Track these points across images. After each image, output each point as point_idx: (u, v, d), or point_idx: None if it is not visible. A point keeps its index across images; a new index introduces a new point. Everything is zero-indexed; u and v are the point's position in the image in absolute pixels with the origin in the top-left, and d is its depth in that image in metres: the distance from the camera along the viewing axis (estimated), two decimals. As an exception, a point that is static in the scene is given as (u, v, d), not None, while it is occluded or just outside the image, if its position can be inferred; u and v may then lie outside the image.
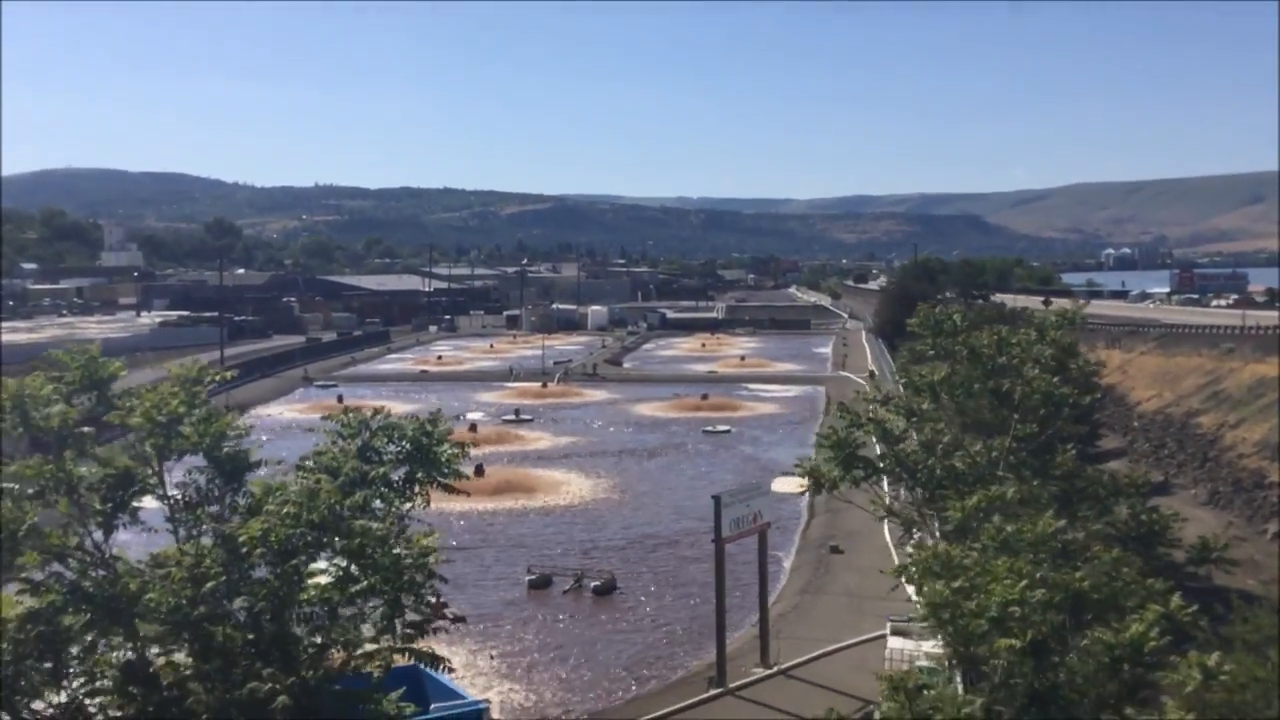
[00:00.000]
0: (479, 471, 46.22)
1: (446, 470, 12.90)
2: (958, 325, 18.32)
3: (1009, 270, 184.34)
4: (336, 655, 11.61)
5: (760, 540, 24.40)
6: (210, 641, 10.94)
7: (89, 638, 11.26)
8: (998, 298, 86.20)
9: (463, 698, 16.62)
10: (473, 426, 59.04)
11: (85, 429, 12.74)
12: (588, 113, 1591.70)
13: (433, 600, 11.96)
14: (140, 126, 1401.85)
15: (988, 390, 17.38)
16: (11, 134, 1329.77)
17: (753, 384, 80.00)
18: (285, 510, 11.48)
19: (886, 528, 36.58)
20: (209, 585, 11.04)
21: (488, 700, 17.56)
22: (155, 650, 11.70)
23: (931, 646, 19.96)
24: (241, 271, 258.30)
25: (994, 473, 15.73)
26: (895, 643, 20.92)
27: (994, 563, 11.45)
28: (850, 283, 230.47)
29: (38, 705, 11.34)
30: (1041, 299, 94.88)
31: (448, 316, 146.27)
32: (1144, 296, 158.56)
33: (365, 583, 11.39)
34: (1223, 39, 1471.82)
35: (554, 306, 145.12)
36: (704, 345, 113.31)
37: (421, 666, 13.52)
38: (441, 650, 13.19)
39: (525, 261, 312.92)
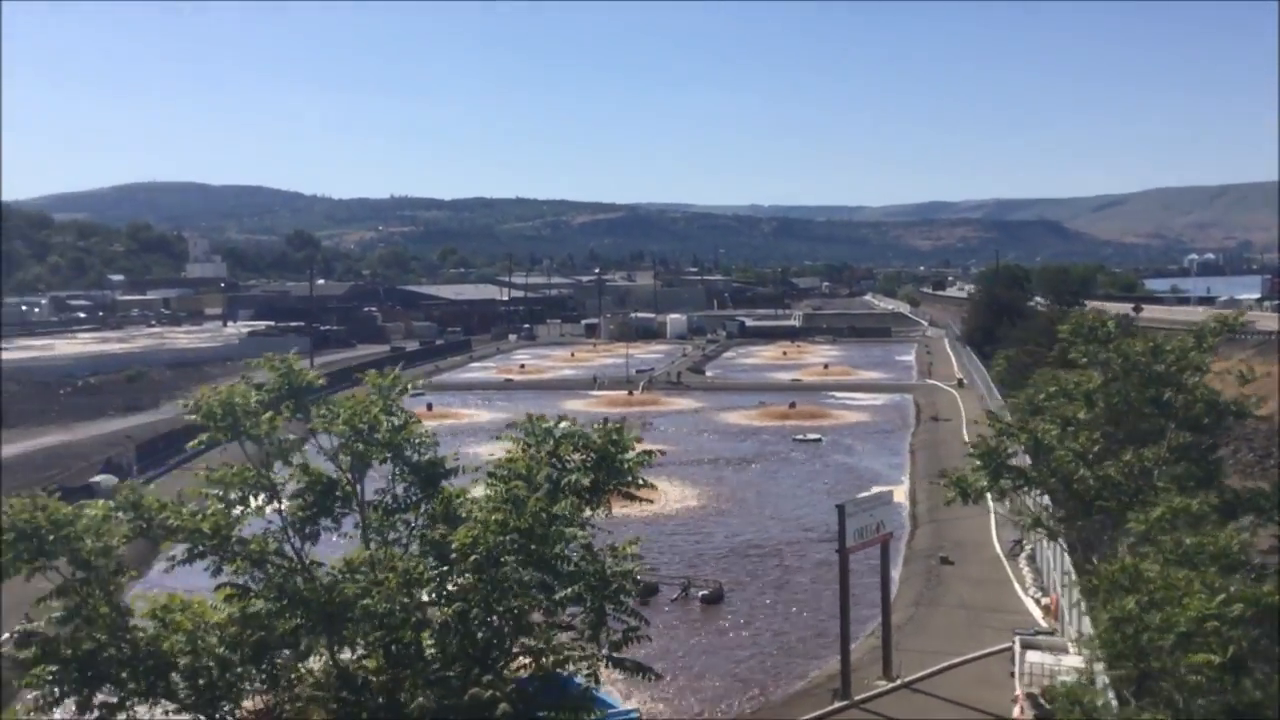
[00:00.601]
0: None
1: (630, 478, 12.85)
2: (1111, 332, 17.92)
3: (1091, 277, 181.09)
4: (528, 663, 11.60)
5: (882, 551, 24.04)
6: (420, 647, 10.98)
7: (302, 642, 11.35)
8: (1089, 305, 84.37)
9: (614, 706, 16.56)
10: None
11: (291, 436, 12.90)
12: (659, 121, 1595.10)
13: (635, 609, 11.87)
14: (222, 141, 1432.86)
15: (1146, 398, 16.95)
16: (97, 148, 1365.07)
17: (838, 392, 79.25)
18: (494, 518, 11.50)
19: (996, 539, 35.99)
20: (423, 591, 11.08)
21: (638, 710, 17.46)
22: (348, 655, 11.77)
23: (1073, 661, 19.49)
24: (321, 282, 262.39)
25: (1150, 483, 15.33)
26: (1034, 656, 20.44)
27: (1176, 576, 11.10)
28: (928, 290, 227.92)
29: (230, 706, 11.48)
30: (1132, 306, 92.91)
31: (526, 325, 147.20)
32: (1232, 303, 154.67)
33: (569, 590, 11.37)
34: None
35: (633, 315, 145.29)
36: (785, 353, 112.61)
37: (568, 675, 13.45)
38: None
39: (598, 270, 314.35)
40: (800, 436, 59.35)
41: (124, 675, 11.29)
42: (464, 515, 12.26)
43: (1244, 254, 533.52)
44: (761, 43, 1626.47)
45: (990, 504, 41.18)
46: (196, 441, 13.26)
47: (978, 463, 18.70)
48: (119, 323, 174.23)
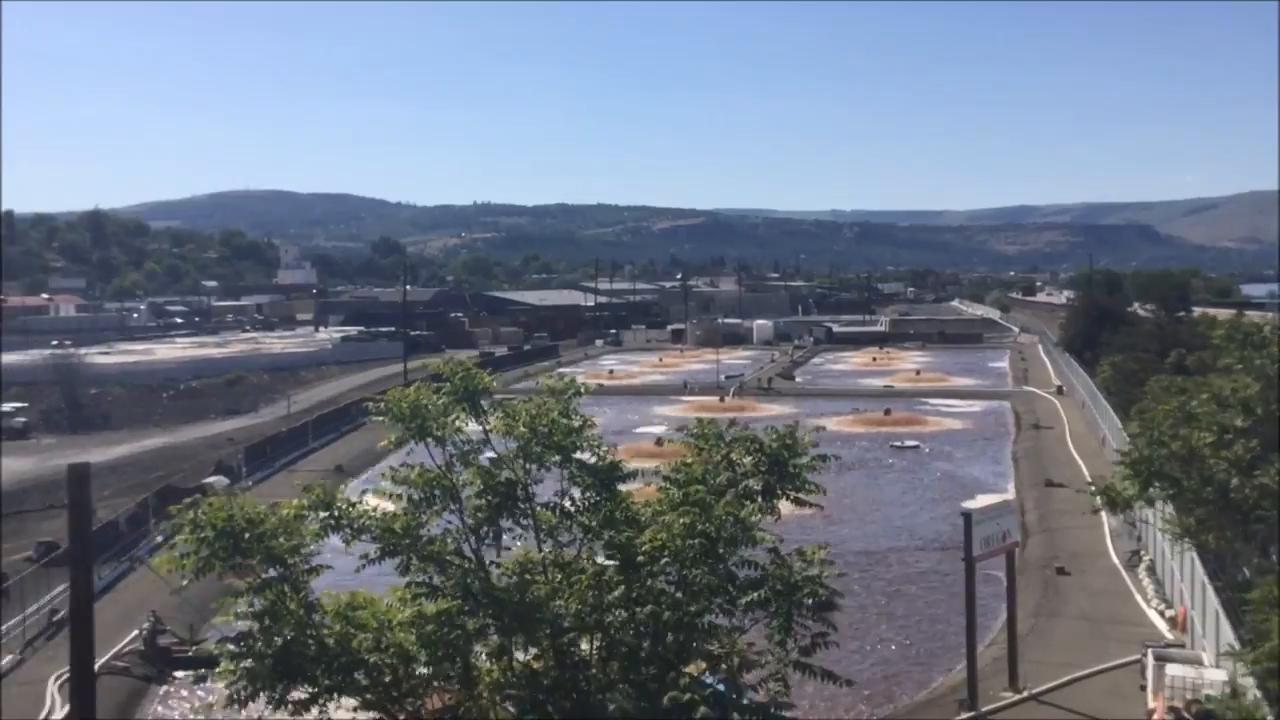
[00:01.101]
0: (675, 485, 46.31)
1: (801, 484, 12.76)
2: (1267, 338, 17.39)
3: (1187, 282, 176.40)
4: (704, 667, 11.59)
5: (1008, 560, 23.62)
6: (613, 648, 11.03)
7: (493, 641, 11.44)
8: (1196, 312, 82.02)
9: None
10: (659, 441, 59.23)
11: (473, 439, 13.04)
12: (739, 126, 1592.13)
13: (823, 615, 11.78)
14: (310, 150, 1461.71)
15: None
16: (190, 158, 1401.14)
17: (932, 399, 78.26)
18: (681, 521, 11.51)
19: (1112, 549, 35.20)
20: (615, 594, 11.11)
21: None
22: (522, 655, 11.84)
23: (1216, 675, 18.96)
24: (408, 288, 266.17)
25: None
26: (1175, 670, 19.90)
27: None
28: (1017, 295, 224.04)
29: (414, 703, 11.61)
30: (1234, 313, 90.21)
31: (612, 331, 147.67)
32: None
33: (754, 595, 11.33)
34: None
35: (719, 321, 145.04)
36: (874, 359, 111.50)
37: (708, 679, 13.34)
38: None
39: (680, 276, 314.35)
40: (898, 444, 58.68)
41: (315, 672, 11.48)
42: (642, 518, 12.26)
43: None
44: (844, 47, 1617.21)
45: (1104, 515, 40.43)
46: (387, 442, 13.53)
47: (1127, 471, 18.26)
48: (214, 328, 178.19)
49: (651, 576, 11.36)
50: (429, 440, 12.95)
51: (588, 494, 12.69)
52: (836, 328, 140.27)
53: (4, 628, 27.24)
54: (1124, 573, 32.33)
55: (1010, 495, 45.82)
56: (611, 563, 11.60)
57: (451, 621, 11.36)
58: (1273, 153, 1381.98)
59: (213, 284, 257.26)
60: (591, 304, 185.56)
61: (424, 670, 11.61)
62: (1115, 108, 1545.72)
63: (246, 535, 11.78)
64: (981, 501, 38.70)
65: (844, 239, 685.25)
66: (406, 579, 12.33)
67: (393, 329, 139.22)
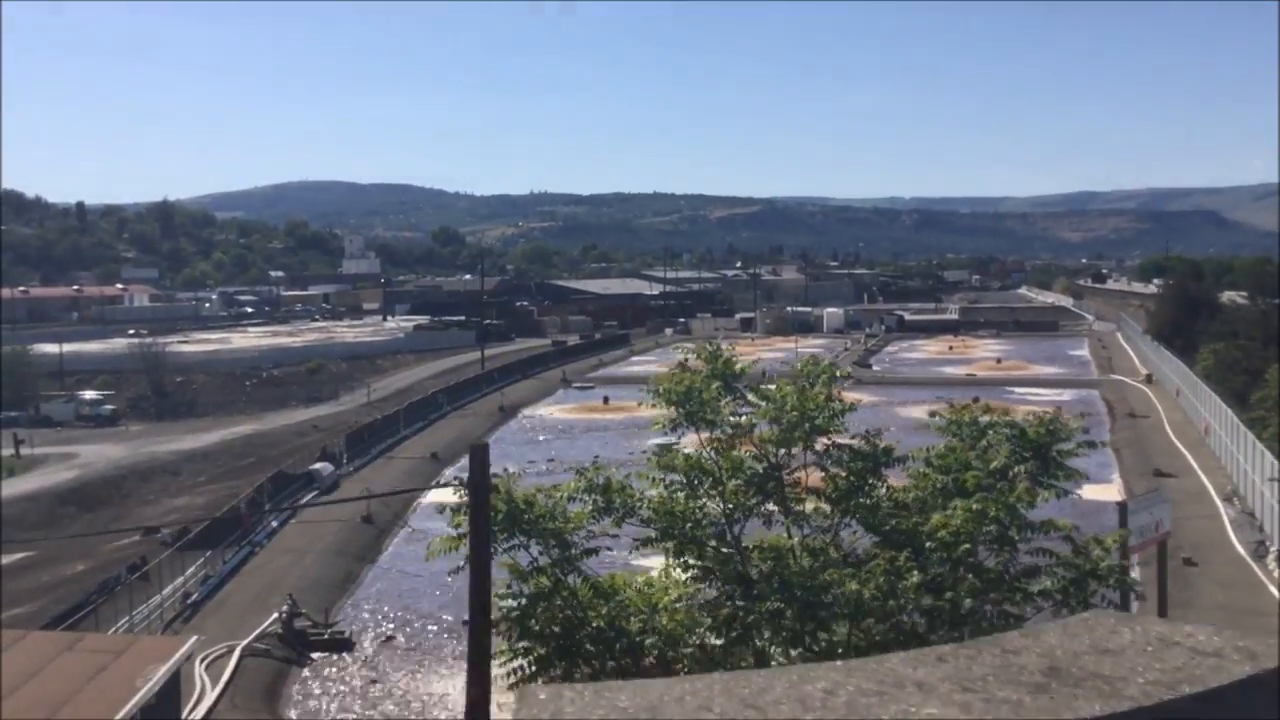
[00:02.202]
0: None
1: (1062, 473, 12.57)
2: None
3: (1260, 269, 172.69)
4: None
5: (1160, 551, 23.27)
6: (907, 636, 11.00)
7: (781, 626, 11.38)
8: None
9: None
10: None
11: (740, 421, 13.00)
12: (795, 113, 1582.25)
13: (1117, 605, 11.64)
14: (369, 141, 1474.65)
15: None
16: (253, 149, 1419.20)
17: (1017, 388, 77.34)
18: (973, 506, 11.42)
19: (1236, 540, 34.61)
20: (912, 580, 11.05)
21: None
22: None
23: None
24: (468, 277, 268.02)
25: None
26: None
27: None
28: (1087, 283, 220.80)
29: None
30: None
31: (681, 320, 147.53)
32: None
33: (1047, 584, 11.23)
34: None
35: (788, 309, 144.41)
36: (950, 348, 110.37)
37: None
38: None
39: (740, 264, 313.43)
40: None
41: (594, 652, 11.55)
42: (913, 501, 12.16)
43: None
44: (902, 34, 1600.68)
45: (1220, 505, 39.72)
46: (657, 424, 13.53)
47: None
48: (284, 317, 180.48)
49: (943, 564, 11.27)
50: (699, 424, 12.90)
51: (851, 478, 12.58)
52: (907, 316, 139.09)
53: (144, 610, 27.75)
54: (1252, 563, 31.78)
55: (1116, 484, 45.21)
56: (897, 550, 11.49)
57: (733, 606, 11.31)
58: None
59: (279, 274, 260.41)
60: (655, 293, 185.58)
61: (690, 652, 11.59)
62: (1182, 91, 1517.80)
63: (525, 516, 11.85)
64: (1089, 492, 38.18)
65: (903, 226, 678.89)
66: (670, 562, 12.30)
67: (463, 318, 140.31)
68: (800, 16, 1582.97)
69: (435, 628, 29.45)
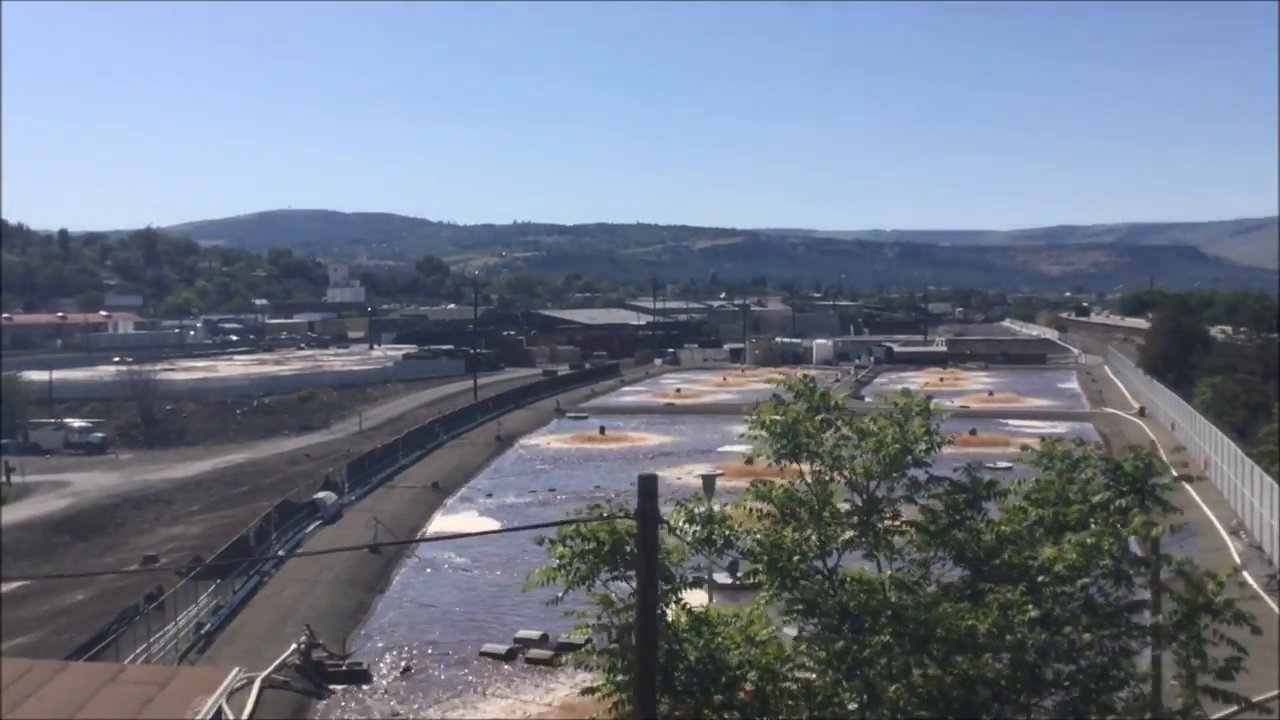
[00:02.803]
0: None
1: (1159, 507, 12.55)
2: None
3: (1240, 304, 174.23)
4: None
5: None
6: (1025, 672, 10.93)
7: (893, 660, 11.25)
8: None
9: None
10: (749, 460, 59.08)
11: (841, 455, 12.90)
12: (779, 145, 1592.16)
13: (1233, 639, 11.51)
14: (352, 169, 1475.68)
15: None
16: (236, 177, 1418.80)
17: (1011, 420, 77.63)
18: (1087, 540, 11.40)
19: (1247, 573, 34.64)
20: (1029, 614, 10.98)
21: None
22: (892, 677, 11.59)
23: None
24: (452, 306, 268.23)
25: None
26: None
27: None
28: (1070, 316, 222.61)
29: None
30: None
31: (670, 350, 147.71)
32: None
33: (1157, 617, 11.19)
34: None
35: (777, 340, 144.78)
36: (941, 380, 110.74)
37: None
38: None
39: (724, 295, 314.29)
40: (992, 464, 58.08)
41: (691, 685, 11.44)
42: (1011, 534, 12.08)
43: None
44: (883, 65, 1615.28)
45: (1226, 538, 39.86)
46: (756, 452, 13.47)
47: None
48: (270, 345, 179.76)
49: (1056, 599, 11.21)
50: (801, 456, 12.86)
51: (950, 512, 12.55)
52: (896, 348, 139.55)
53: (160, 641, 27.43)
54: (1266, 597, 31.81)
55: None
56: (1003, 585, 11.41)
57: (845, 640, 11.20)
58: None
59: (263, 302, 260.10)
60: (642, 323, 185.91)
61: (790, 686, 11.48)
62: (1160, 127, 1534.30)
63: (628, 548, 11.77)
64: (1182, 522, 38.20)
65: (885, 258, 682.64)
66: (768, 595, 12.18)
67: (451, 347, 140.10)
68: (783, 49, 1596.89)
69: (452, 658, 29.22)
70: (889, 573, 12.12)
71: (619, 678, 11.60)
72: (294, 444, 79.33)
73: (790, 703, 11.37)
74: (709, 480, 19.96)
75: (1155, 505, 12.41)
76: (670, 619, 11.98)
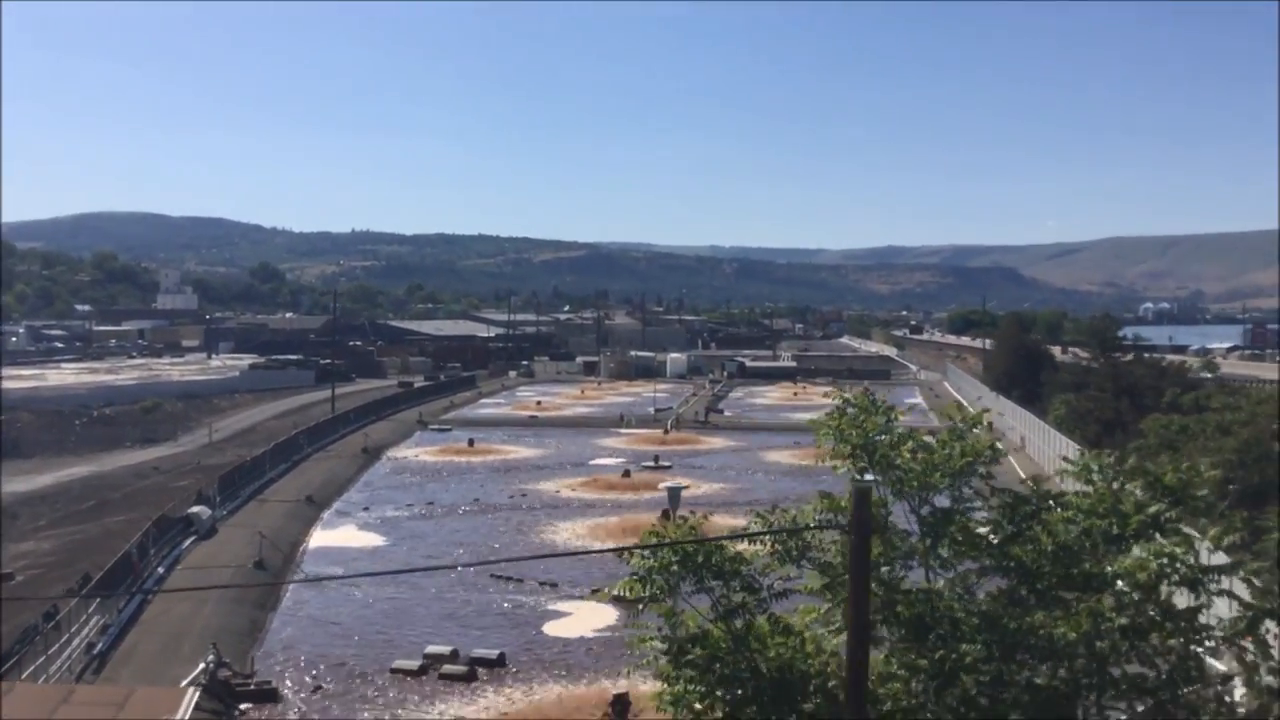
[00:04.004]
0: (666, 516, 46.59)
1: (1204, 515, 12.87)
2: None
3: (1058, 324, 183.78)
4: None
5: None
6: (1109, 679, 11.15)
7: (988, 668, 11.37)
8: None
9: None
10: (626, 473, 59.55)
11: (916, 468, 13.05)
12: (620, 161, 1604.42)
13: None
14: (180, 171, 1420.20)
15: None
16: (54, 178, 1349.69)
17: (867, 433, 79.99)
18: (1167, 549, 11.73)
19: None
20: (1120, 621, 11.29)
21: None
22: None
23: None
24: (290, 315, 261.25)
25: None
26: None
27: None
28: (904, 334, 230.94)
29: None
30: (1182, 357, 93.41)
31: (524, 362, 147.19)
32: (1205, 352, 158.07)
33: (1241, 623, 11.45)
34: (1260, 96, 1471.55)
35: (631, 354, 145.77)
36: (795, 394, 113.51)
37: None
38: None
39: (567, 308, 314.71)
40: (856, 477, 59.81)
41: (765, 696, 11.40)
42: (1074, 544, 12.26)
43: (1196, 303, 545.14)
44: (722, 86, 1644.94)
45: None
46: (838, 469, 13.47)
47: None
48: (98, 353, 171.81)
49: (1135, 606, 11.55)
50: (876, 467, 13.03)
51: (1010, 524, 12.83)
52: (748, 362, 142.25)
53: (58, 661, 26.04)
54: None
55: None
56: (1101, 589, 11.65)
57: (935, 650, 11.33)
58: (1131, 200, 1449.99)
59: (86, 308, 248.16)
60: (491, 335, 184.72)
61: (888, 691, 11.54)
62: (985, 154, 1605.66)
63: (714, 558, 11.77)
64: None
65: (724, 275, 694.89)
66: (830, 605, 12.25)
67: (299, 357, 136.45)
68: (619, 68, 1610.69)
69: (362, 675, 28.58)
70: (941, 583, 12.41)
71: (698, 688, 11.51)
72: (140, 456, 76.03)
73: (884, 713, 11.45)
74: (674, 492, 20.07)
75: (1200, 517, 12.91)
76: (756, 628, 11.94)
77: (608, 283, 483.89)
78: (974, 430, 13.49)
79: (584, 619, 33.79)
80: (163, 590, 32.03)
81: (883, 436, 13.13)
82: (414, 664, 28.76)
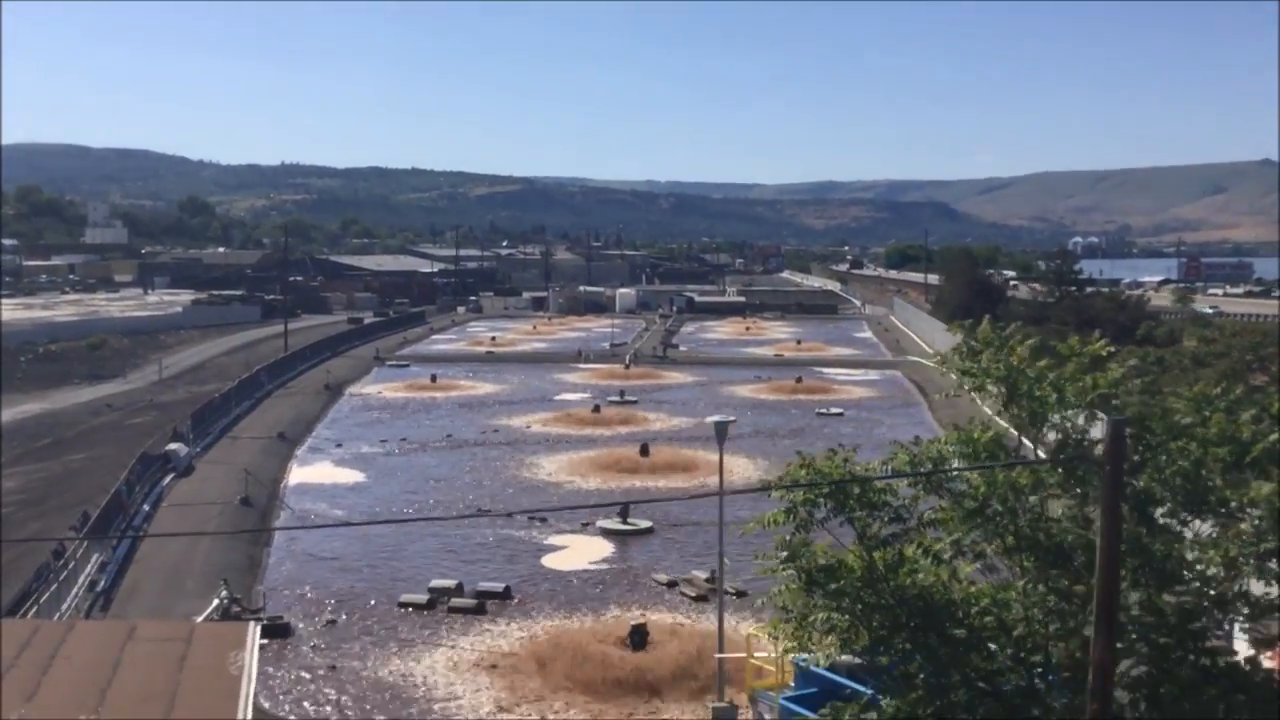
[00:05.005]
0: (644, 451, 47.11)
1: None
2: None
3: (992, 257, 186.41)
4: None
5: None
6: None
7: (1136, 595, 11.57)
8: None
9: None
10: (596, 408, 59.82)
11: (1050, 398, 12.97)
12: (555, 94, 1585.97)
13: None
14: (103, 102, 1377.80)
15: None
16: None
17: (825, 368, 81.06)
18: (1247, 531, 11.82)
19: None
20: (1267, 545, 11.50)
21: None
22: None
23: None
24: (223, 250, 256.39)
25: None
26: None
27: None
28: (844, 268, 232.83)
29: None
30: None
31: (473, 298, 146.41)
32: (1137, 285, 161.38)
33: None
34: (1187, 32, 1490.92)
35: (581, 289, 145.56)
36: (747, 329, 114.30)
37: None
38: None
39: (505, 243, 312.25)
40: (824, 410, 60.77)
41: (914, 620, 11.55)
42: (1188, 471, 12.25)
43: (1124, 237, 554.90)
44: (656, 17, 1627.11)
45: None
46: (984, 403, 13.43)
47: None
48: (29, 288, 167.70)
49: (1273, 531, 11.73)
50: (1021, 404, 13.07)
51: (1135, 454, 12.87)
52: (696, 298, 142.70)
53: (69, 599, 25.89)
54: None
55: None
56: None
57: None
58: (1061, 135, 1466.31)
59: (11, 242, 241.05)
60: (434, 270, 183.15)
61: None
62: (918, 88, 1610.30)
63: (858, 490, 11.93)
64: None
65: (660, 209, 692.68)
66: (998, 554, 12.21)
67: (242, 292, 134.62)
68: (550, 2, 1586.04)
69: (370, 609, 28.76)
70: (1059, 511, 12.55)
71: (844, 617, 11.69)
72: (91, 394, 74.84)
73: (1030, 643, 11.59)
74: (721, 426, 20.29)
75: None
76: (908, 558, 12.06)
77: (544, 217, 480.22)
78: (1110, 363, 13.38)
79: (580, 551, 34.22)
80: (176, 534, 31.75)
81: (1027, 369, 13.13)
82: (421, 598, 28.97)
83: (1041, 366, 13.15)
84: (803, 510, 12.03)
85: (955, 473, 12.67)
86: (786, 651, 15.38)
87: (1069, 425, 12.97)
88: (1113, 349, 13.89)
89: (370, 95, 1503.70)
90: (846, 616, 11.74)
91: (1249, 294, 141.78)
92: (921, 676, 11.57)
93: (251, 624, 16.80)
